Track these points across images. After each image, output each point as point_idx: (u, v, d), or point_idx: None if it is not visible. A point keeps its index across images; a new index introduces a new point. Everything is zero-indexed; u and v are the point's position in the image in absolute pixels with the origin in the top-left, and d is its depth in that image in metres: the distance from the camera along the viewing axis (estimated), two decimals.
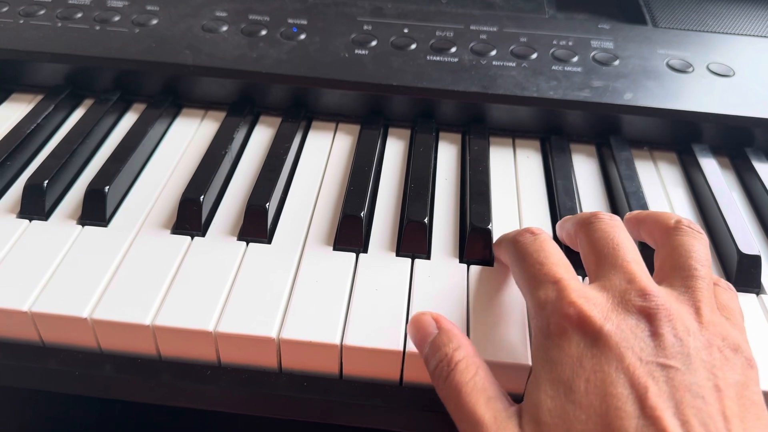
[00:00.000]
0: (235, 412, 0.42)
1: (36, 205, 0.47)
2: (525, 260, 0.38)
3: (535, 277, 0.36)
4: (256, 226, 0.46)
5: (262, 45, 0.59)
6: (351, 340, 0.39)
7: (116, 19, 0.62)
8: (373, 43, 0.60)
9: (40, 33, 0.60)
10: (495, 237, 0.47)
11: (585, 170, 0.55)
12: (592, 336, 0.32)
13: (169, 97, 0.59)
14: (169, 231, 0.47)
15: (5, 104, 0.60)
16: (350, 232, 0.46)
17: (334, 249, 0.46)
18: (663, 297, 0.33)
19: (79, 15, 0.62)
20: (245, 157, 0.55)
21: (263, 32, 0.61)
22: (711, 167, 0.54)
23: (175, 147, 0.55)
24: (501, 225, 0.49)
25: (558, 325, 0.33)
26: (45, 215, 0.47)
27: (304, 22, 0.62)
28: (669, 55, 0.60)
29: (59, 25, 0.61)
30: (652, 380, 0.30)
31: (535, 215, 0.50)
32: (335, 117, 0.59)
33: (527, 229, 0.40)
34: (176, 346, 0.41)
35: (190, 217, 0.46)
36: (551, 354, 0.32)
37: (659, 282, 0.36)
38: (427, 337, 0.37)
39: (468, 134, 0.57)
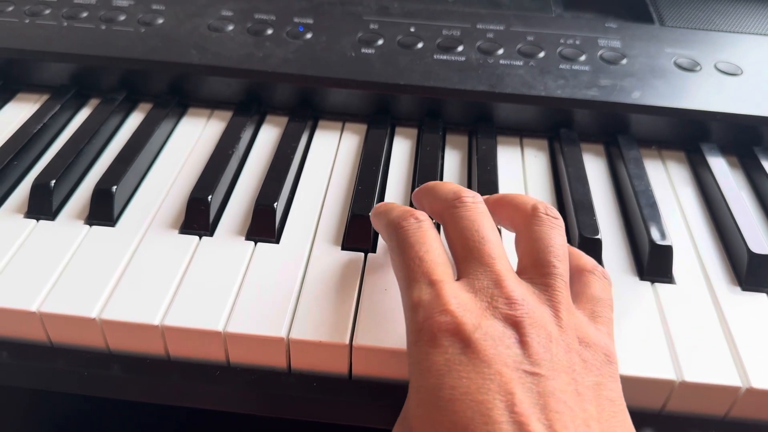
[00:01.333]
0: (244, 413, 0.42)
1: (43, 205, 0.47)
2: (405, 252, 0.37)
3: (412, 274, 0.36)
4: (265, 225, 0.46)
5: (269, 44, 0.59)
6: (361, 341, 0.39)
7: (122, 18, 0.62)
8: (380, 42, 0.60)
9: (46, 32, 0.60)
10: (504, 239, 0.47)
11: (593, 169, 0.55)
12: (463, 343, 0.32)
13: (175, 97, 0.59)
14: (177, 231, 0.47)
15: (11, 104, 0.60)
16: (359, 232, 0.46)
17: (343, 248, 0.46)
18: (528, 304, 0.33)
19: (85, 14, 0.62)
20: (252, 156, 0.55)
21: (269, 31, 0.60)
22: (720, 166, 0.54)
23: (181, 147, 0.55)
24: None
25: (430, 332, 0.33)
26: (52, 215, 0.47)
27: (310, 21, 0.62)
28: (676, 54, 0.60)
29: (65, 24, 0.61)
30: (520, 387, 0.30)
31: None
32: (342, 116, 0.59)
33: (411, 213, 0.39)
34: (185, 346, 0.41)
35: (198, 217, 0.46)
36: (421, 363, 0.32)
37: (521, 274, 0.36)
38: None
39: (475, 134, 0.56)
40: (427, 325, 0.33)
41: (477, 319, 0.32)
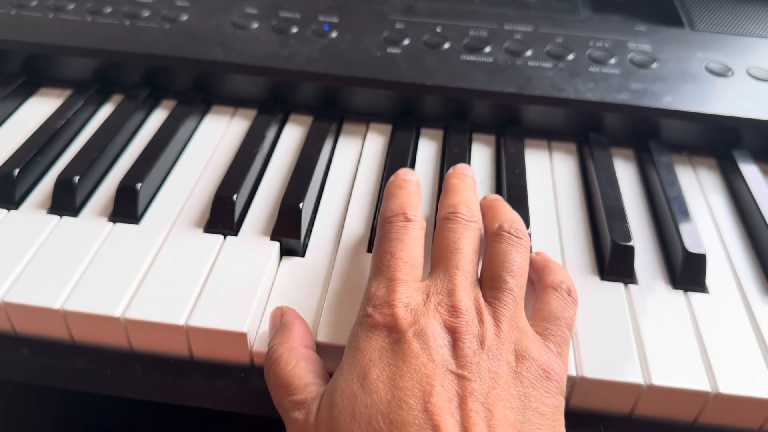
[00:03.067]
0: (267, 416, 0.41)
1: (67, 201, 0.47)
2: (382, 245, 0.40)
3: (379, 265, 0.39)
4: (290, 225, 0.45)
5: (294, 42, 0.58)
6: None
7: (146, 14, 0.61)
8: (406, 41, 0.59)
9: (69, 27, 0.60)
10: (533, 244, 0.46)
11: (624, 174, 0.54)
12: (397, 335, 0.34)
13: (199, 94, 0.58)
14: (201, 229, 0.46)
15: (33, 99, 0.59)
16: None
17: (369, 251, 0.45)
18: (469, 315, 0.35)
19: (109, 10, 0.61)
20: (276, 156, 0.54)
21: (294, 30, 0.60)
22: (752, 173, 0.52)
23: (205, 145, 0.55)
24: (539, 228, 0.48)
25: (373, 320, 0.35)
26: (76, 211, 0.47)
27: (336, 19, 0.61)
28: (708, 59, 0.59)
29: (88, 19, 0.60)
30: (439, 382, 0.32)
31: (573, 218, 0.49)
32: (367, 117, 0.58)
33: (404, 212, 0.41)
34: (210, 346, 0.40)
35: (223, 216, 0.46)
36: (359, 342, 0.35)
37: (479, 286, 0.38)
38: (272, 330, 0.40)
39: (503, 136, 0.55)
40: (372, 314, 0.36)
41: (416, 317, 0.35)
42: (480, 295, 0.37)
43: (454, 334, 0.34)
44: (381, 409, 0.32)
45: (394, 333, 0.34)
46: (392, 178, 0.47)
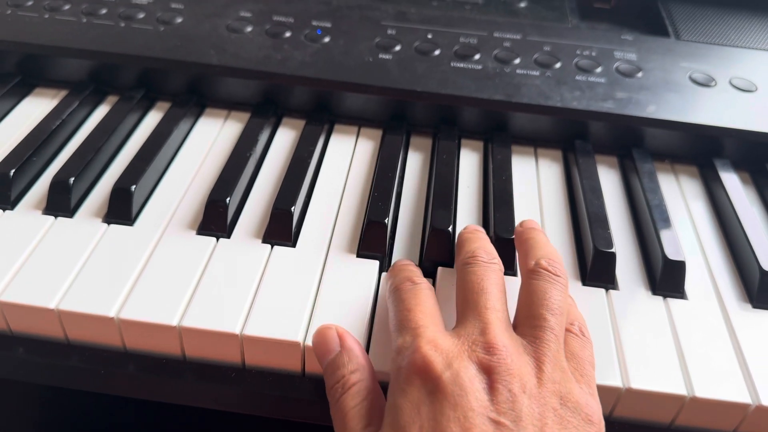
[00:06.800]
0: (257, 415, 0.42)
1: (62, 202, 0.48)
2: (398, 306, 0.39)
3: (400, 323, 0.37)
4: (282, 229, 0.46)
5: (287, 47, 0.59)
6: (375, 347, 0.40)
7: (141, 16, 0.62)
8: (397, 47, 0.60)
9: (65, 28, 0.60)
10: None
11: (607, 181, 0.55)
12: (432, 384, 0.33)
13: (193, 97, 0.59)
14: (194, 231, 0.47)
15: (28, 99, 0.60)
16: (374, 239, 0.46)
17: (358, 255, 0.46)
18: (507, 352, 0.34)
19: (104, 11, 0.62)
20: (268, 159, 0.55)
21: (287, 34, 0.61)
22: (732, 182, 0.54)
23: (199, 147, 0.55)
24: None
25: (407, 372, 0.34)
26: (71, 212, 0.48)
27: (329, 24, 0.62)
28: (692, 69, 0.60)
29: (84, 20, 0.61)
30: None
31: (557, 224, 0.50)
32: (358, 121, 0.59)
33: (410, 278, 0.41)
34: (202, 347, 0.41)
35: (215, 219, 0.47)
36: (397, 400, 0.34)
37: (515, 328, 0.37)
38: (328, 353, 0.38)
39: (490, 142, 0.57)
40: (405, 365, 0.34)
41: (449, 361, 0.33)
42: (515, 334, 0.36)
43: (490, 375, 0.33)
44: None
45: (429, 381, 0.33)
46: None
